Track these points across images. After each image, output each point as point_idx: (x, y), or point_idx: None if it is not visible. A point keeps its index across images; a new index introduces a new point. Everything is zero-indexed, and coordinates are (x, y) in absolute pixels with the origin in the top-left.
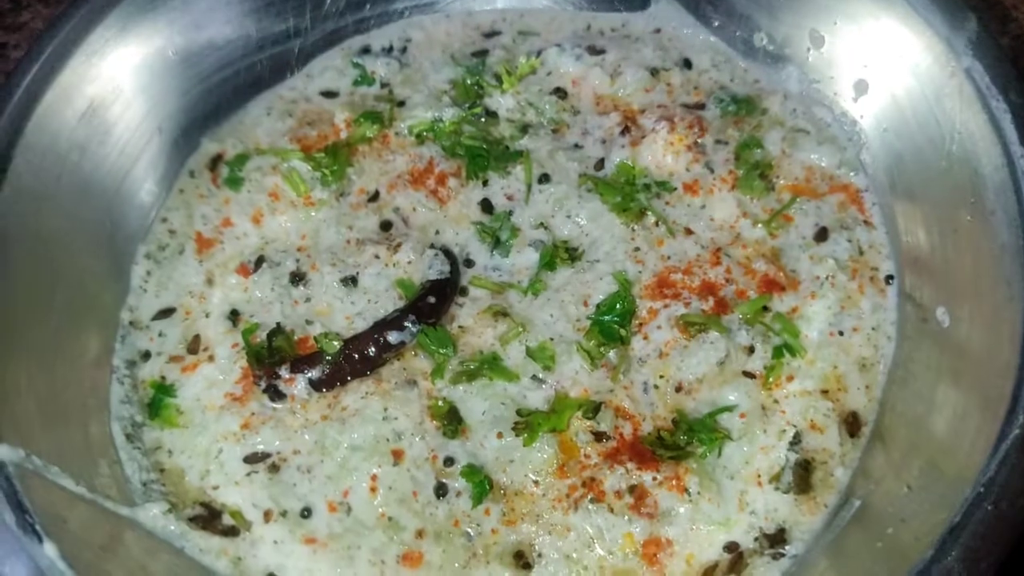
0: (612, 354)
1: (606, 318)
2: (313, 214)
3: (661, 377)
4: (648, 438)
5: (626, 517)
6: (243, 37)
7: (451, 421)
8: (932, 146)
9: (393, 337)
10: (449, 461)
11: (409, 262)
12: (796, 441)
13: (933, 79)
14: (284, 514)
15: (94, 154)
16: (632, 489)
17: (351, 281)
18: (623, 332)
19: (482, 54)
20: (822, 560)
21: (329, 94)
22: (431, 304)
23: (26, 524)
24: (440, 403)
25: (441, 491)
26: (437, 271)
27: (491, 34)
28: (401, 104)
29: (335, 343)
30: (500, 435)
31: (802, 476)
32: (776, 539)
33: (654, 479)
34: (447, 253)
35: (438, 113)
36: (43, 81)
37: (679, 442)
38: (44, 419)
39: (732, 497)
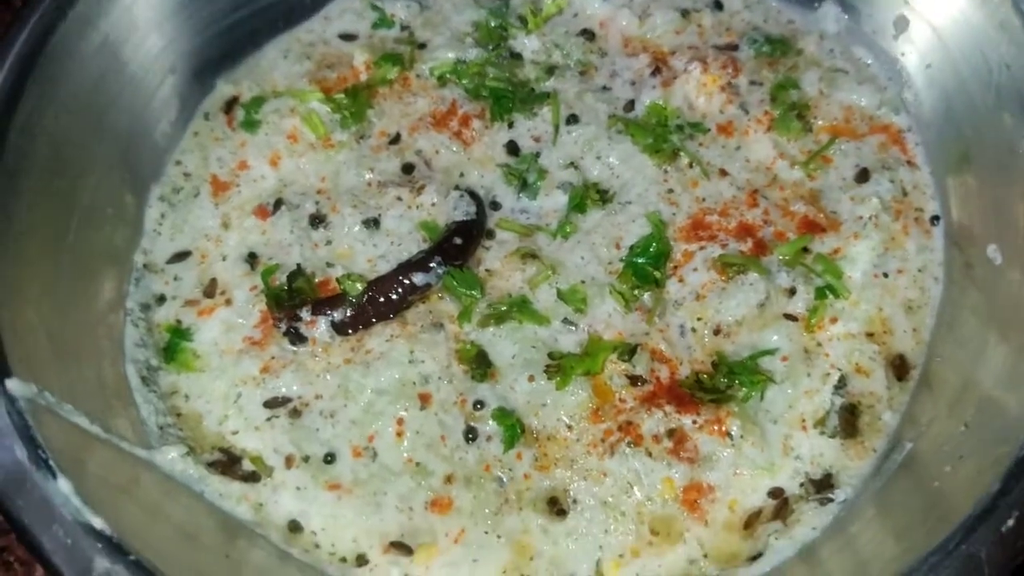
0: (647, 296)
1: (640, 260)
2: (333, 156)
3: (699, 320)
4: (687, 381)
5: (665, 462)
6: None
7: (480, 365)
8: (978, 80)
9: (419, 279)
10: (479, 404)
11: (433, 204)
12: (841, 385)
13: (978, 11)
14: (307, 459)
15: (108, 89)
16: (671, 433)
17: (373, 223)
18: (657, 274)
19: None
20: (871, 506)
21: (348, 36)
22: (457, 245)
23: (39, 459)
24: (468, 346)
25: (471, 435)
26: (463, 212)
27: None
28: (422, 46)
29: (358, 285)
30: (532, 378)
31: (848, 420)
32: (823, 484)
33: (694, 423)
34: (472, 194)
35: (461, 55)
36: (58, 12)
37: (719, 385)
38: (57, 357)
39: (776, 442)
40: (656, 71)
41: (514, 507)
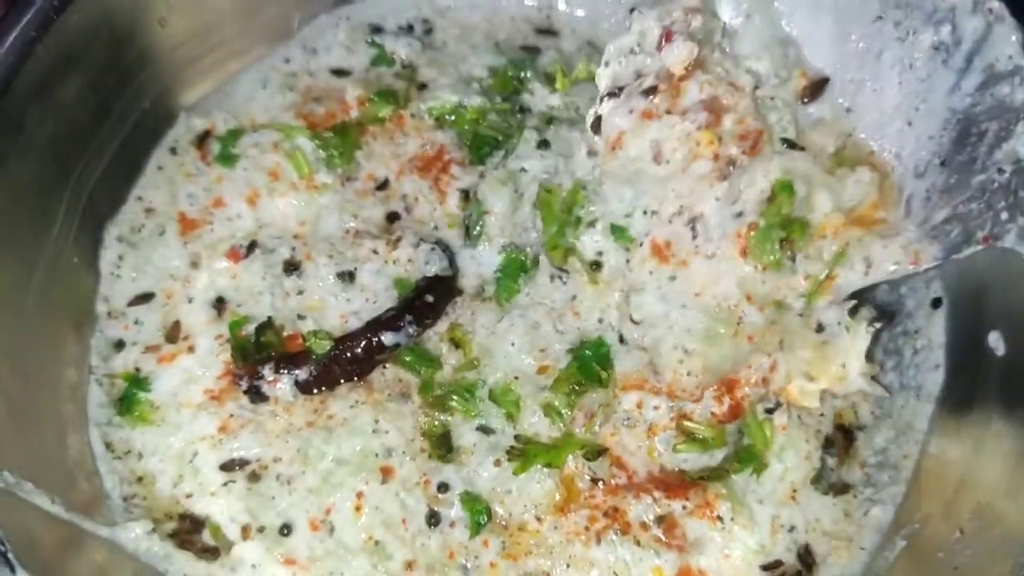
0: (592, 398)
1: (588, 352)
2: (316, 198)
3: (651, 455)
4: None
5: (653, 550)
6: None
7: (442, 445)
8: None
9: (388, 338)
10: (443, 487)
11: (409, 260)
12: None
13: None
14: (262, 530)
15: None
16: (660, 520)
17: (348, 276)
18: (604, 374)
19: (533, 50)
20: None
21: (340, 72)
22: (429, 303)
23: None
24: (435, 423)
25: (433, 519)
26: (436, 266)
27: (547, 32)
28: (423, 87)
29: (325, 342)
30: (497, 462)
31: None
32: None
33: (684, 508)
34: (444, 247)
35: (464, 99)
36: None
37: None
38: (17, 428)
39: (764, 521)
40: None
41: None
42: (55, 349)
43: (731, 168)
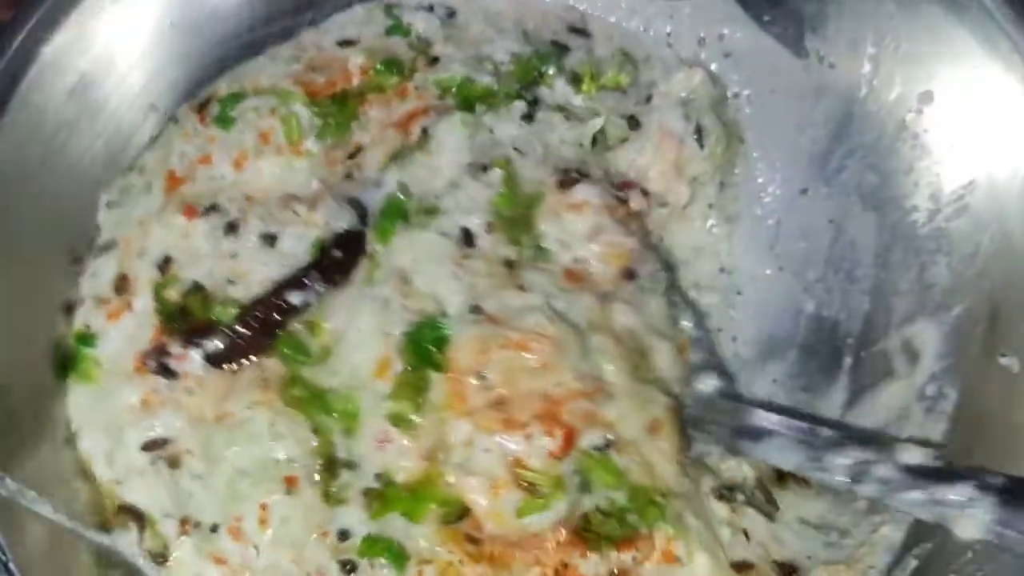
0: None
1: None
2: (293, 163)
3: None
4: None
5: None
6: (250, 6)
7: (329, 467)
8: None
9: (295, 298)
10: (343, 535)
11: (327, 222)
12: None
13: (1009, 96)
14: (198, 525)
15: (84, 134)
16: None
17: (270, 240)
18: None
19: (562, 47)
20: None
21: (346, 43)
22: (336, 259)
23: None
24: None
25: (350, 568)
26: (345, 222)
27: (580, 32)
28: (435, 60)
29: (231, 310)
30: (368, 507)
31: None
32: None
33: (634, 559)
34: (354, 202)
35: (475, 75)
36: (29, 52)
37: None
38: (16, 433)
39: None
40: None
41: None
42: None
43: None
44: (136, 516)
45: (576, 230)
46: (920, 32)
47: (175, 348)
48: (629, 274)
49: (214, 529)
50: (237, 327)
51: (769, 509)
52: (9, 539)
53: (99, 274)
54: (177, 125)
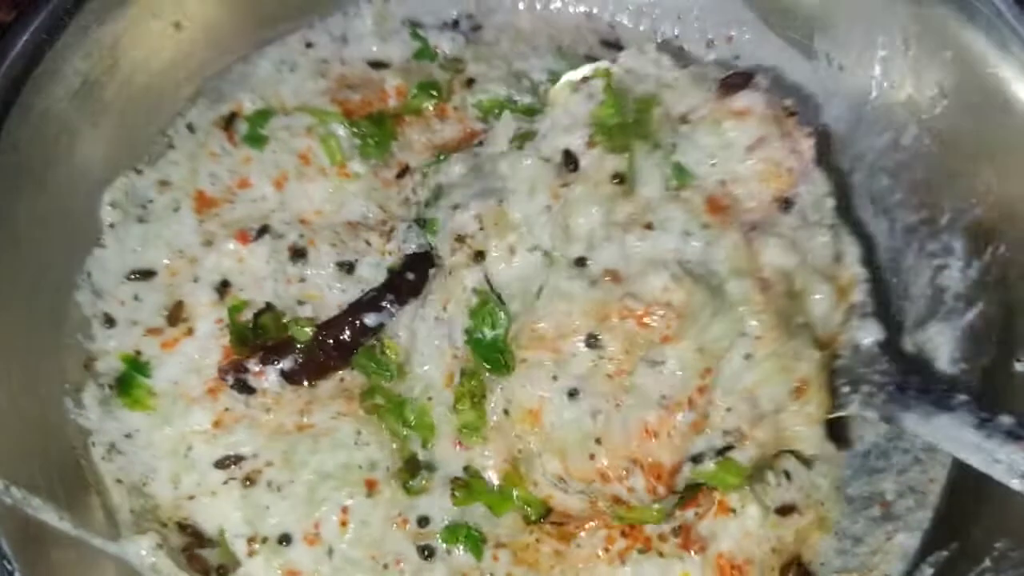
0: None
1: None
2: (345, 186)
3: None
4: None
5: (677, 557)
6: (256, 7)
7: (410, 467)
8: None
9: (371, 319)
10: (423, 521)
11: (399, 248)
12: None
13: (1019, 101)
14: (264, 541)
15: (87, 138)
16: (676, 531)
17: (348, 267)
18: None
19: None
20: None
21: (378, 64)
22: (410, 281)
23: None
24: (403, 442)
25: (427, 553)
26: (414, 243)
27: (613, 46)
28: (471, 82)
29: (307, 329)
30: (452, 496)
31: None
32: None
33: (696, 514)
34: (422, 223)
35: (516, 95)
36: (32, 55)
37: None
38: (19, 441)
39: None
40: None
41: None
42: (57, 366)
43: None
44: (198, 536)
45: (733, 142)
46: (931, 34)
47: (253, 365)
48: (786, 203)
49: (284, 541)
50: (313, 346)
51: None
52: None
53: (143, 300)
54: (195, 136)
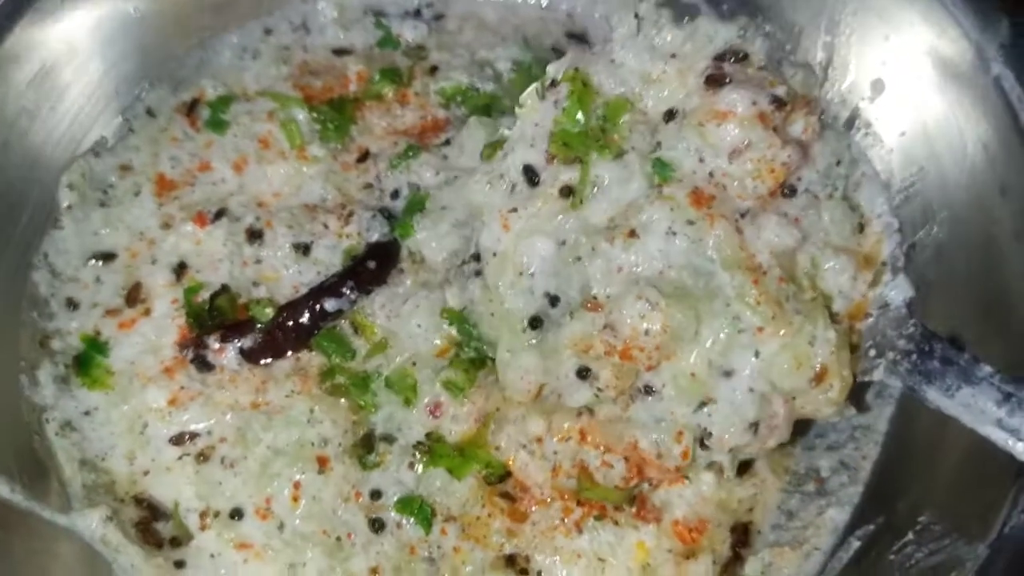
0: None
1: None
2: (303, 169)
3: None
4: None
5: (632, 526)
6: None
7: (364, 444)
8: (952, 156)
9: (330, 304)
10: (375, 495)
11: (359, 233)
12: None
13: (955, 84)
14: (217, 515)
15: (45, 121)
16: (632, 500)
17: (304, 249)
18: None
19: (562, 54)
20: None
21: (341, 52)
22: (371, 270)
23: None
24: (361, 420)
25: (377, 526)
26: (377, 232)
27: (579, 38)
28: (434, 69)
29: (268, 310)
30: (411, 465)
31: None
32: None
33: (650, 484)
34: (386, 213)
35: (479, 83)
36: None
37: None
38: None
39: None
40: None
41: None
42: (9, 327)
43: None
44: (153, 509)
45: (718, 145)
46: (872, 18)
47: (213, 342)
48: (789, 190)
49: (236, 515)
50: (273, 327)
51: None
52: None
53: (104, 282)
54: (155, 121)
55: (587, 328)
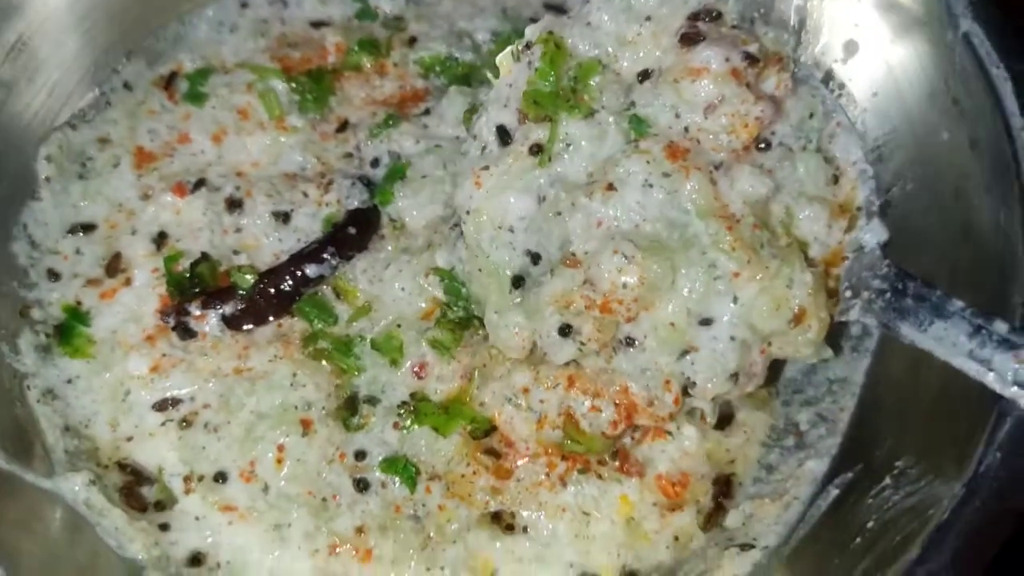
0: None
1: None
2: (281, 139)
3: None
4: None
5: (615, 479)
6: None
7: (348, 406)
8: (924, 117)
9: (312, 270)
10: (360, 455)
11: (338, 201)
12: None
13: (928, 44)
14: (201, 479)
15: (22, 94)
16: (614, 454)
17: (283, 217)
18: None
19: None
20: (794, 555)
21: (319, 24)
22: (351, 235)
23: None
24: (344, 382)
25: (362, 486)
26: (357, 199)
27: (557, 9)
28: (413, 40)
29: (249, 277)
30: (396, 425)
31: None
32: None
33: (632, 439)
34: (366, 181)
35: (457, 52)
36: None
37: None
38: None
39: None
40: None
41: (447, 538)
42: None
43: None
44: (137, 474)
45: (692, 101)
46: None
47: (195, 309)
48: (764, 144)
49: (220, 479)
50: (254, 294)
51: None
52: None
53: (84, 253)
54: (133, 95)
55: (567, 284)
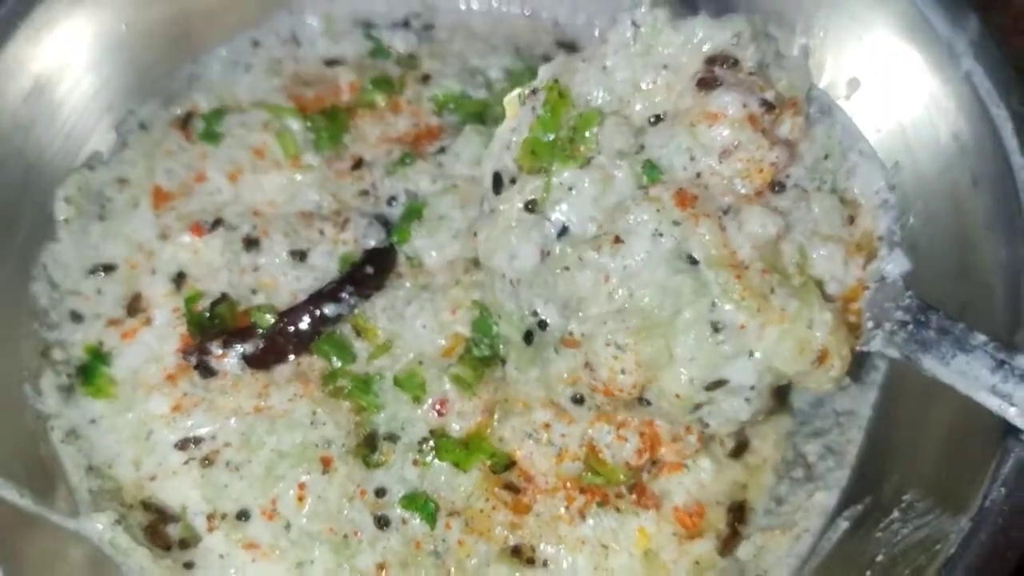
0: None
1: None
2: (296, 178)
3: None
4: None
5: (633, 513)
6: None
7: (368, 444)
8: (927, 149)
9: (330, 309)
10: (380, 492)
11: (356, 240)
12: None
13: (929, 77)
14: (224, 517)
15: (40, 136)
16: (632, 488)
17: (300, 256)
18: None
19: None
20: None
21: (333, 62)
22: (369, 275)
23: None
24: (363, 420)
25: (383, 523)
26: (374, 238)
27: (570, 47)
28: (426, 78)
29: (268, 316)
30: (416, 462)
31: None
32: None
33: (649, 473)
34: (383, 220)
35: (471, 90)
36: None
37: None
38: None
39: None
40: None
41: (468, 574)
42: (11, 338)
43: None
44: (161, 513)
45: (707, 146)
46: (845, 20)
47: (215, 348)
48: (779, 186)
49: (243, 517)
50: (274, 333)
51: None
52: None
53: (105, 293)
54: (149, 135)
55: (570, 364)
